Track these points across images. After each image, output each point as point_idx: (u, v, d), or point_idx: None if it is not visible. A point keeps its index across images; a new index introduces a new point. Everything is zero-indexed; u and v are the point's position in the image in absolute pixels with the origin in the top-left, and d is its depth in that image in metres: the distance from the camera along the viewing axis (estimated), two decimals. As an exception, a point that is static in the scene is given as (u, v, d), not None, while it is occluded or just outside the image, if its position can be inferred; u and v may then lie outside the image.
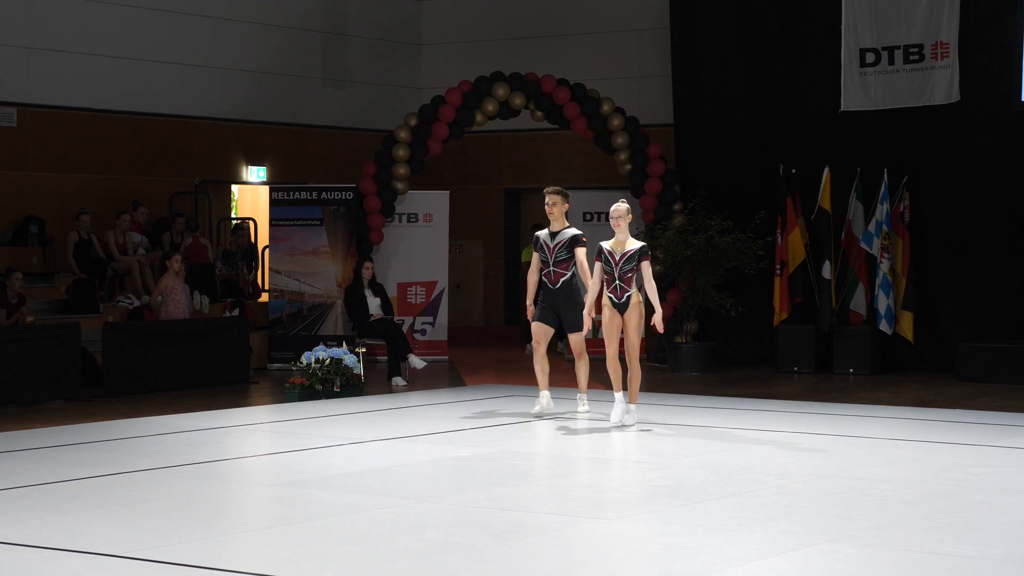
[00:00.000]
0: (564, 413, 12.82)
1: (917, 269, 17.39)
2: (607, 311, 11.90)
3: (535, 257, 12.64)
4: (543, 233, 12.55)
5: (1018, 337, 17.00)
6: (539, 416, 12.58)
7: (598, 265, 11.91)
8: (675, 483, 9.33)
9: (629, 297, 11.78)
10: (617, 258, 11.79)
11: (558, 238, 12.46)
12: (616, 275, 11.79)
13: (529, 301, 12.68)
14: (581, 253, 12.45)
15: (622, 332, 11.97)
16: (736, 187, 18.63)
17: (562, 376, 17.09)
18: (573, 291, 12.49)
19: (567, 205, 12.56)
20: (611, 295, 11.85)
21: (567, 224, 12.56)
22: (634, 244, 11.82)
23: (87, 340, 15.09)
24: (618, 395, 12.01)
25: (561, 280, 12.46)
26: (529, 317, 12.68)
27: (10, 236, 18.13)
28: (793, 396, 14.96)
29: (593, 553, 7.30)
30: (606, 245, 11.88)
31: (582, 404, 12.83)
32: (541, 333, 12.60)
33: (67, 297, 17.24)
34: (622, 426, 11.80)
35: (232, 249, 19.98)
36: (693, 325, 18.01)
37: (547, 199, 12.49)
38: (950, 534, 7.64)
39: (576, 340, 12.52)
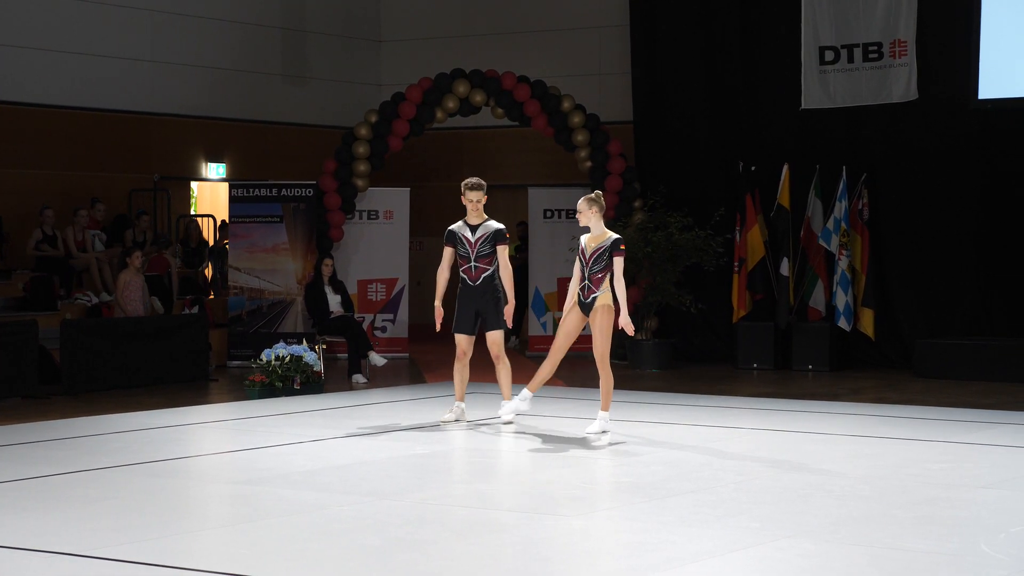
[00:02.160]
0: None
1: (876, 266, 17.50)
2: (569, 306, 11.36)
3: (448, 253, 11.98)
4: (458, 226, 11.94)
5: (976, 333, 17.15)
6: (451, 422, 12.00)
7: (577, 262, 11.34)
8: (635, 480, 9.35)
9: (595, 299, 11.17)
10: (588, 256, 11.19)
11: (480, 231, 11.87)
12: (586, 274, 11.19)
13: (437, 303, 12.00)
14: (504, 252, 11.90)
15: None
16: (696, 184, 18.71)
17: (521, 372, 17.10)
18: (495, 287, 11.93)
19: (486, 197, 11.99)
20: (579, 292, 11.27)
21: (486, 217, 12.00)
22: (607, 239, 11.12)
23: (45, 337, 14.99)
24: (524, 391, 11.61)
25: (483, 276, 11.89)
26: (437, 319, 11.99)
27: (-33, 233, 18.02)
28: (752, 393, 15.03)
29: (554, 550, 7.32)
30: (583, 240, 11.31)
31: (506, 412, 11.95)
32: (467, 344, 12.06)
33: (24, 294, 17.13)
34: (596, 435, 11.17)
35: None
36: (653, 322, 18.06)
37: (472, 195, 11.82)
38: (907, 529, 7.70)
39: (496, 340, 12.01)
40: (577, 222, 11.51)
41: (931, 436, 11.49)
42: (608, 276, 11.16)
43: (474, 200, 11.88)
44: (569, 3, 21.82)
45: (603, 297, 11.16)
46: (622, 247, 11.18)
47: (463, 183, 12.02)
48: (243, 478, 9.47)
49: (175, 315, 17.29)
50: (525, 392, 11.74)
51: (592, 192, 11.42)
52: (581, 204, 11.23)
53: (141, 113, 20.04)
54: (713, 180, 18.70)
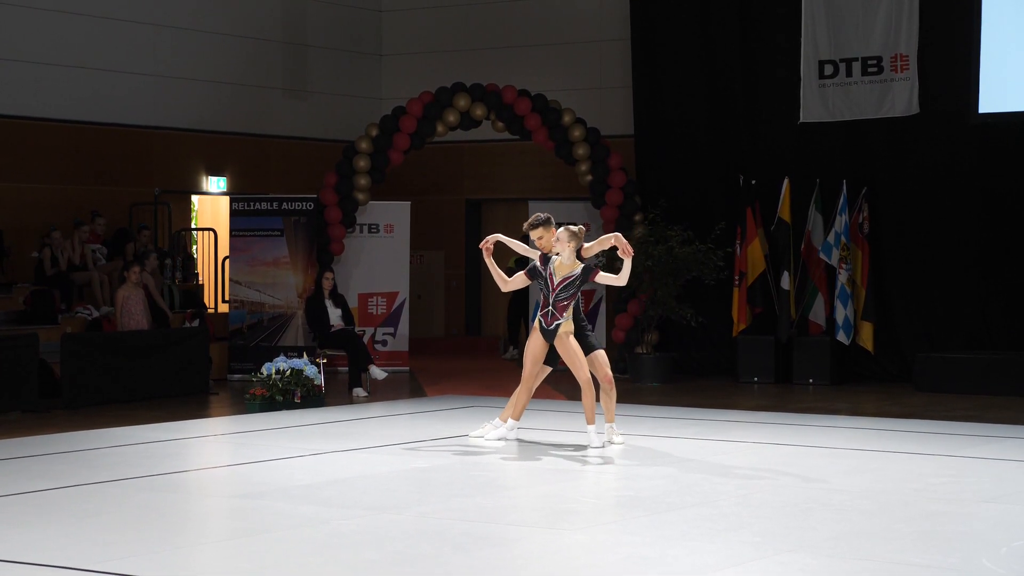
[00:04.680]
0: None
1: (876, 280, 17.50)
2: (533, 334, 11.38)
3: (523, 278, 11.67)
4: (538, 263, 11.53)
5: (976, 347, 17.13)
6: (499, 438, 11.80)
7: (522, 275, 11.39)
8: (635, 493, 9.34)
9: (559, 326, 11.18)
10: (555, 283, 11.19)
11: (560, 272, 11.28)
12: (550, 300, 11.20)
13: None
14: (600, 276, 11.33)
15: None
16: (696, 198, 18.71)
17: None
18: (579, 323, 11.47)
19: (549, 232, 11.47)
20: (541, 318, 11.28)
21: (562, 252, 11.36)
22: (577, 269, 11.13)
23: (45, 351, 14.99)
24: (511, 421, 11.59)
25: (556, 323, 11.27)
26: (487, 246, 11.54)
27: (-33, 247, 18.01)
28: (753, 406, 15.01)
29: (554, 564, 7.30)
30: (551, 265, 11.22)
31: (613, 435, 11.58)
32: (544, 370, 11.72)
33: (25, 308, 17.13)
34: (598, 448, 11.16)
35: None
36: (653, 336, 18.04)
37: (532, 233, 11.49)
38: (909, 544, 7.68)
39: (602, 361, 11.53)
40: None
41: (932, 450, 11.48)
42: (572, 304, 11.20)
43: (536, 239, 11.47)
44: (570, 17, 21.84)
45: (565, 325, 11.23)
46: (595, 267, 11.24)
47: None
48: (243, 492, 9.46)
49: (175, 329, 17.28)
50: (511, 422, 11.72)
51: (578, 226, 11.37)
52: (563, 234, 11.19)
53: (142, 127, 20.05)
54: (714, 194, 18.70)
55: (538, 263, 11.42)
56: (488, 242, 11.59)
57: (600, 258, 16.12)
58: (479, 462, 10.81)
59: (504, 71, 20.88)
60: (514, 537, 7.89)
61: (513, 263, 19.61)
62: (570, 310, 11.24)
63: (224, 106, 21.03)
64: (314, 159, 21.48)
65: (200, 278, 20.63)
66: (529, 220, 11.65)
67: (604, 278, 11.28)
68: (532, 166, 21.91)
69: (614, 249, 11.53)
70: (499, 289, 11.96)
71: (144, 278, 16.97)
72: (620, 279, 11.24)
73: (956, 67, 16.93)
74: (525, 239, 11.99)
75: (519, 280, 11.64)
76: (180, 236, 20.26)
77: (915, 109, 17.01)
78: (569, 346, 11.26)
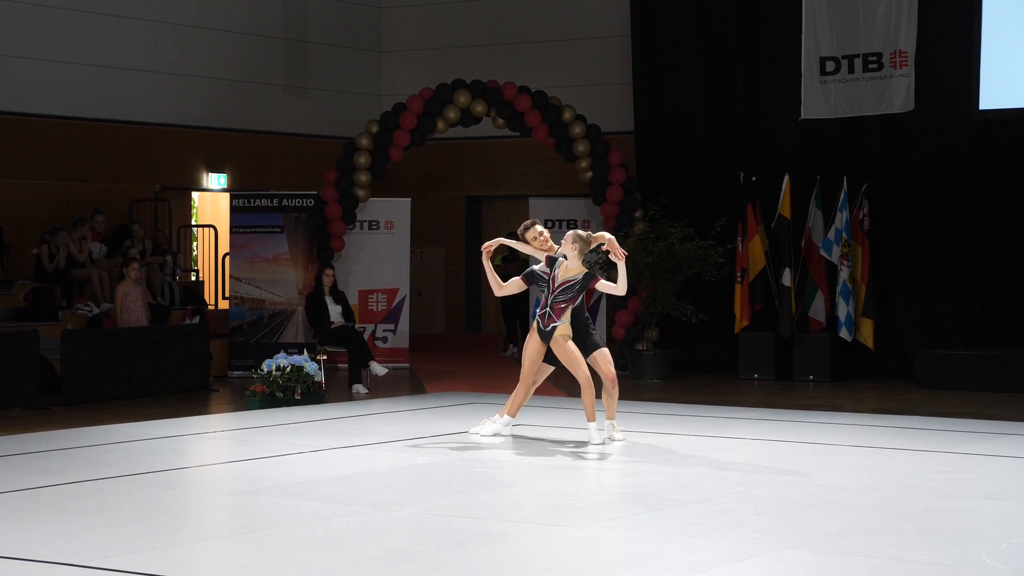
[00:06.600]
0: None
1: (876, 276, 17.50)
2: (531, 335, 11.38)
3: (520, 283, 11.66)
4: (539, 266, 11.51)
5: (976, 344, 17.14)
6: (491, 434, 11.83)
7: (518, 280, 11.39)
8: (636, 490, 9.35)
9: (554, 329, 11.17)
10: (555, 285, 11.17)
11: (562, 273, 11.27)
12: (548, 302, 11.20)
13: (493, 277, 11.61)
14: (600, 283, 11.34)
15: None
16: (697, 195, 18.71)
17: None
18: (582, 321, 11.50)
19: (543, 231, 11.65)
20: (538, 319, 11.28)
21: (556, 249, 11.55)
22: (579, 274, 11.16)
23: (45, 348, 14.99)
24: (507, 417, 11.63)
25: (552, 325, 11.27)
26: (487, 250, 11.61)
27: (-33, 244, 18.01)
28: (753, 403, 15.01)
29: (554, 560, 7.30)
30: (556, 268, 11.18)
31: (613, 432, 11.50)
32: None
33: (25, 305, 17.13)
34: (599, 444, 11.19)
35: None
36: (654, 332, 18.05)
37: (527, 235, 11.58)
38: (909, 540, 7.69)
39: (606, 359, 11.46)
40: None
41: (932, 446, 11.48)
42: (570, 307, 11.19)
43: (529, 239, 11.60)
44: (570, 14, 21.84)
45: (562, 328, 11.21)
46: (595, 275, 11.27)
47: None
48: (243, 488, 9.46)
49: (176, 326, 17.28)
50: (507, 418, 11.73)
51: (585, 231, 11.37)
52: (571, 235, 11.19)
53: (142, 124, 20.05)
54: (714, 190, 18.70)
55: (543, 265, 11.40)
56: (490, 246, 11.59)
57: (598, 256, 16.15)
58: (480, 459, 10.81)
59: (504, 68, 20.89)
60: (514, 533, 7.89)
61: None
62: (567, 313, 11.21)
63: (224, 103, 21.03)
64: (314, 156, 21.48)
65: (200, 275, 20.64)
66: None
67: (604, 286, 11.26)
68: (532, 163, 21.92)
69: (608, 253, 11.48)
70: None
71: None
72: (619, 288, 11.20)
73: (957, 63, 16.93)
74: (512, 236, 12.00)
75: (514, 285, 11.61)
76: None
77: (911, 106, 17.00)
78: (565, 348, 11.24)
